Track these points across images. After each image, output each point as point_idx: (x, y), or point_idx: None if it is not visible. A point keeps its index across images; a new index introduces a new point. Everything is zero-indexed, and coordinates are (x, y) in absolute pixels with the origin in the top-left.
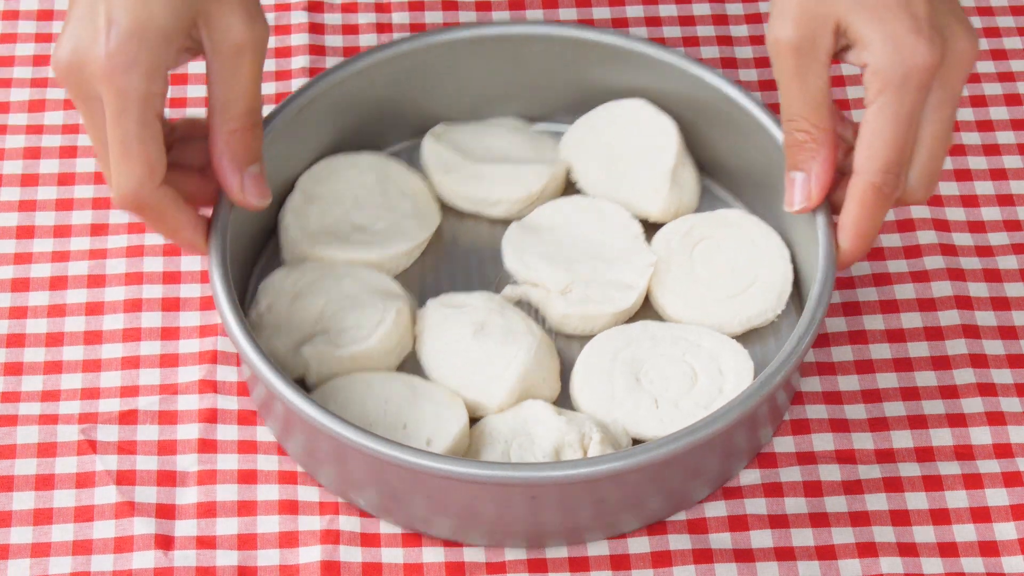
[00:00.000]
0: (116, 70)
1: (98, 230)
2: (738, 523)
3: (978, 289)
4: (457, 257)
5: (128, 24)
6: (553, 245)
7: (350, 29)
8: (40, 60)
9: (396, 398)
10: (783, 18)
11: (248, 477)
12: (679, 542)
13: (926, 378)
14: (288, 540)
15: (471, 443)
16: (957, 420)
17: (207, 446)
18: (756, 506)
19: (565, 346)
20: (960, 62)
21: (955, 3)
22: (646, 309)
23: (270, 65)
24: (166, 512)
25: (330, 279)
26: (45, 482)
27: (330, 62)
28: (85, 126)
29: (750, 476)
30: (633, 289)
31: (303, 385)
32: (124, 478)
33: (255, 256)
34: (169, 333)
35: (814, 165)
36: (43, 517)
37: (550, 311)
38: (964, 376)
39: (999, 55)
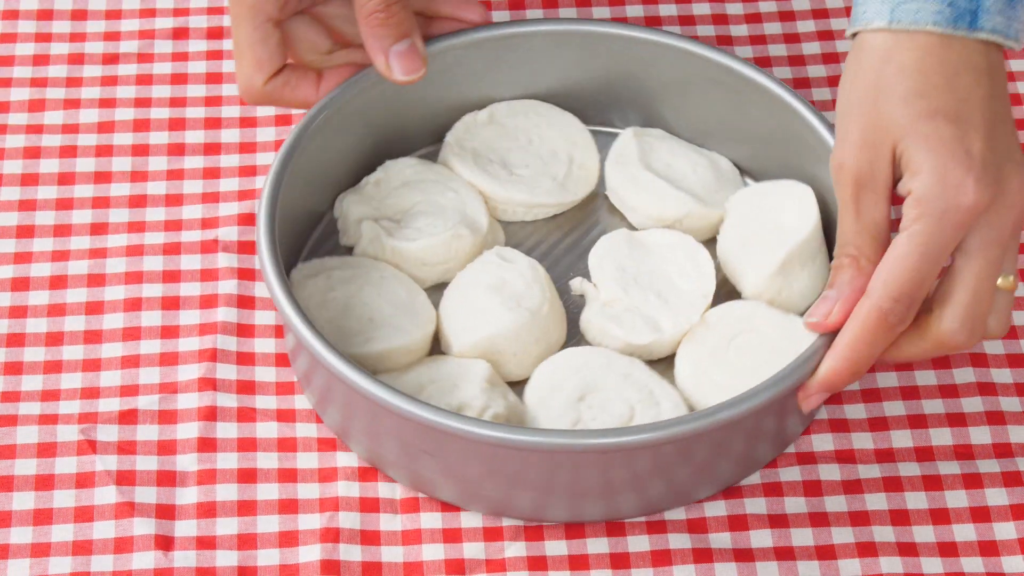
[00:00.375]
0: None
1: (98, 229)
2: (738, 523)
3: None
4: (576, 238)
5: None
6: (636, 263)
7: None
8: (40, 60)
9: (388, 296)
10: (844, 144)
11: (248, 476)
12: (679, 541)
13: (926, 377)
14: (288, 540)
15: (408, 366)
16: (957, 420)
17: (207, 445)
18: (756, 506)
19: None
20: (1012, 205)
21: (1015, 145)
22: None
23: None
24: (166, 512)
25: (438, 186)
26: (45, 482)
27: None
28: None
29: (750, 476)
30: (655, 332)
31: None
32: (124, 478)
33: (423, 145)
34: (169, 332)
35: (847, 289)
36: (43, 517)
37: (583, 312)
38: (964, 375)
39: None
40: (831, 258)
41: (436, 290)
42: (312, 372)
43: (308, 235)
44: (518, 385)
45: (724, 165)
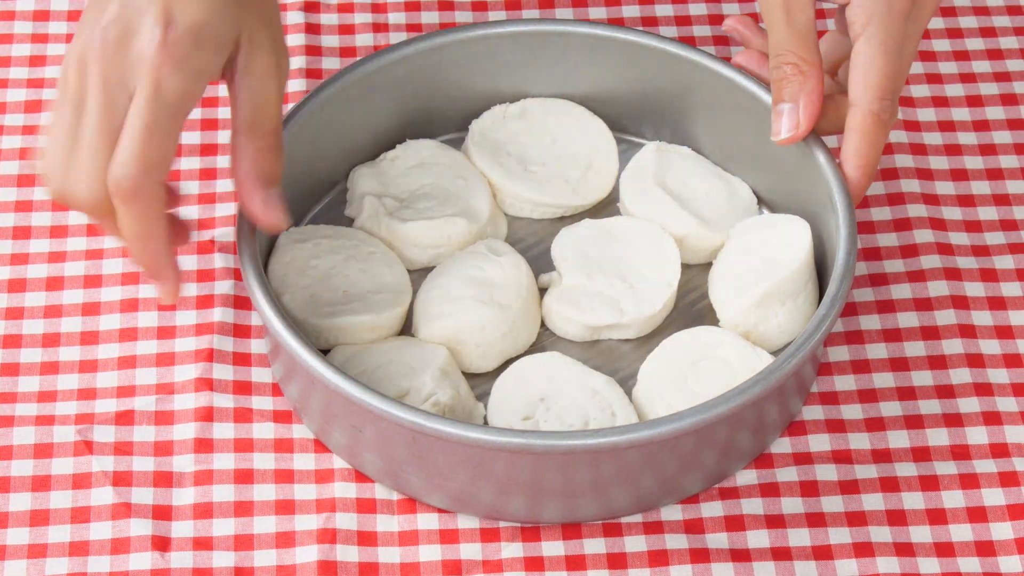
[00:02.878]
0: (167, 63)
1: (95, 230)
2: (735, 523)
3: (974, 289)
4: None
5: (187, 24)
6: (600, 251)
7: (346, 29)
8: (36, 61)
9: (371, 271)
10: None
11: (244, 477)
12: (676, 541)
13: (922, 378)
14: (284, 540)
15: (372, 343)
16: (953, 420)
17: (203, 445)
18: (753, 506)
19: (564, 348)
20: None
21: None
22: None
23: None
24: (162, 513)
25: (450, 172)
26: (42, 483)
27: (326, 63)
28: (82, 109)
29: (747, 476)
30: (617, 315)
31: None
32: (120, 479)
33: (453, 130)
34: (165, 332)
35: (802, 95)
36: (40, 518)
37: (544, 298)
38: (960, 376)
39: (995, 55)
40: (821, 294)
41: (425, 273)
42: (281, 361)
43: (316, 202)
44: (482, 377)
45: (743, 192)
